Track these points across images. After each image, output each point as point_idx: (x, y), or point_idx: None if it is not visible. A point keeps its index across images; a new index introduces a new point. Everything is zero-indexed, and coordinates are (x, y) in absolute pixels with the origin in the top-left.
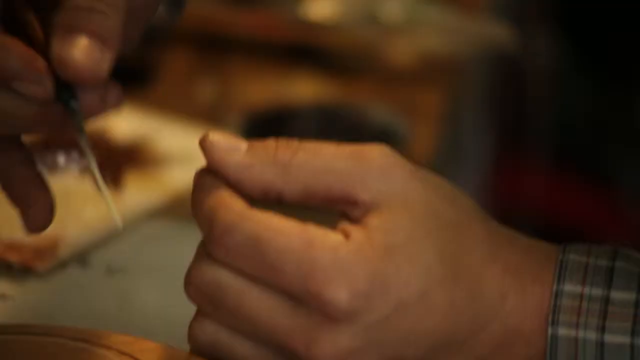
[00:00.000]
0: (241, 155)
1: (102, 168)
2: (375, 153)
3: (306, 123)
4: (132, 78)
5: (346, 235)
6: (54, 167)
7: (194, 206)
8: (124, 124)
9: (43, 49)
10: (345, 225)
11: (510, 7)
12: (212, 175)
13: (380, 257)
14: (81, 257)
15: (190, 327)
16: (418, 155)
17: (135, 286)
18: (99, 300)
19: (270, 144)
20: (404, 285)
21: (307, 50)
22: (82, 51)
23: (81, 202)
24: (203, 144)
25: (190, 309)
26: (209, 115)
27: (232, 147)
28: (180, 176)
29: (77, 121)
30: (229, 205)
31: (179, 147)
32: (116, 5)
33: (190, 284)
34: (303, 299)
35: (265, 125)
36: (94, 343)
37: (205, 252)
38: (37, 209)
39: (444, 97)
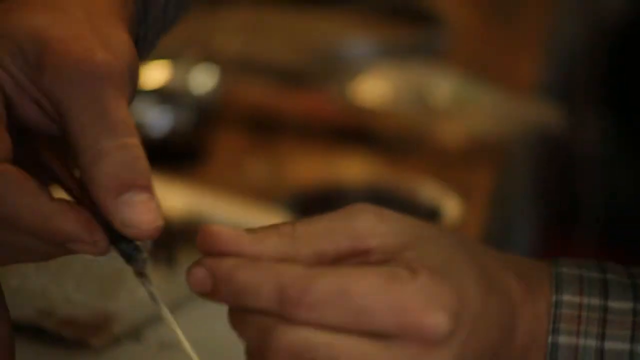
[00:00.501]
0: (249, 235)
1: (156, 245)
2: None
3: (355, 202)
4: (184, 157)
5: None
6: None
7: (244, 283)
8: (177, 201)
9: (80, 195)
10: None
11: (559, 87)
12: (235, 258)
13: (445, 279)
14: (135, 332)
15: None
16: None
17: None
18: None
19: (268, 226)
20: (472, 300)
21: (356, 132)
22: (146, 218)
23: (135, 278)
24: (208, 234)
25: None
26: (259, 194)
27: (236, 231)
28: None
29: (139, 267)
30: (291, 268)
31: (231, 224)
32: (134, 132)
33: (278, 354)
34: (398, 334)
35: (315, 204)
36: None
37: (281, 319)
38: None
39: (492, 177)
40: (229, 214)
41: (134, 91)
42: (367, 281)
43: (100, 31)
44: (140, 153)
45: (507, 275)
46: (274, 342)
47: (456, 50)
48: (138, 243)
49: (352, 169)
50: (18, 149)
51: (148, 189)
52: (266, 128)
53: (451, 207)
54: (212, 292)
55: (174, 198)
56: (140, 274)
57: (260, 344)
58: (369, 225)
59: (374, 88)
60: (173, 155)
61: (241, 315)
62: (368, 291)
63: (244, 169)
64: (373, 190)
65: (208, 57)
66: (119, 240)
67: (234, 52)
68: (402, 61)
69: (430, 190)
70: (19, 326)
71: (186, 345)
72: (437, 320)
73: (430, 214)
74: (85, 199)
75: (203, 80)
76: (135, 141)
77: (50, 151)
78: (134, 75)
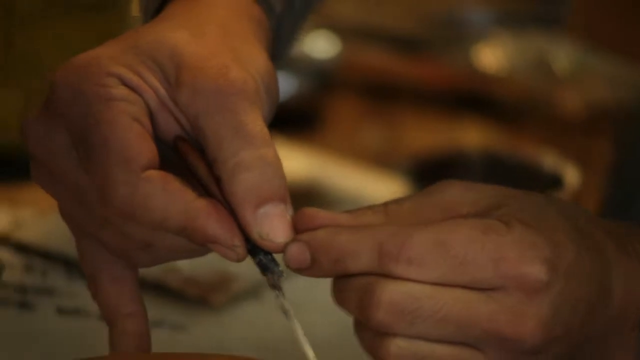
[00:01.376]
0: (344, 214)
1: None
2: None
3: (474, 168)
4: (302, 122)
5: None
6: None
7: (342, 247)
8: (296, 165)
9: (222, 201)
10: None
11: None
12: (331, 227)
13: (539, 230)
14: (255, 292)
15: (380, 349)
16: (585, 204)
17: (309, 322)
18: (272, 334)
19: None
20: (567, 251)
21: (474, 99)
22: (282, 233)
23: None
24: (305, 215)
25: None
26: (376, 160)
27: (332, 212)
28: None
29: (275, 280)
30: (387, 227)
31: (350, 190)
32: (271, 144)
33: (378, 309)
34: (497, 284)
35: (433, 170)
36: None
37: (381, 276)
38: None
39: (612, 146)
40: (346, 179)
41: (273, 105)
42: (464, 233)
43: (235, 48)
44: (278, 164)
45: (600, 234)
46: (375, 298)
47: (576, 19)
48: (273, 255)
49: (470, 135)
50: (166, 159)
51: (285, 201)
52: (384, 95)
53: (570, 175)
54: (311, 266)
55: (293, 163)
56: (275, 286)
57: (364, 304)
58: (457, 196)
59: (493, 55)
60: (293, 120)
61: (342, 283)
62: (466, 242)
63: (362, 135)
64: (491, 158)
65: (328, 24)
66: (257, 251)
67: (354, 20)
68: (522, 30)
69: (549, 159)
70: (144, 283)
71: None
72: (535, 269)
73: (550, 183)
74: (226, 207)
75: (323, 47)
76: (272, 152)
77: (194, 159)
78: (270, 90)
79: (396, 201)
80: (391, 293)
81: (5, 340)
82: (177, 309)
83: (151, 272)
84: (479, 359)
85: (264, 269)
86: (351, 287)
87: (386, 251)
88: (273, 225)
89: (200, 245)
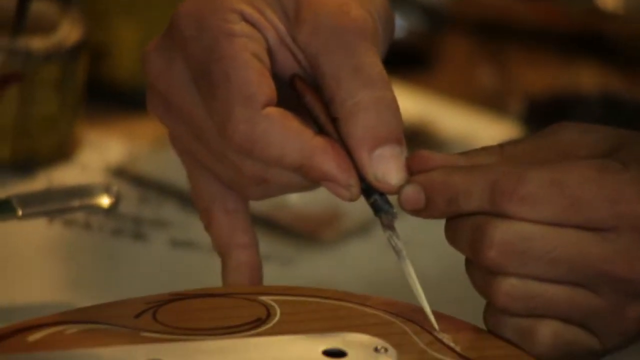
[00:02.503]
0: (458, 155)
1: None
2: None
3: (590, 111)
4: (414, 62)
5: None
6: None
7: (455, 186)
8: (406, 105)
9: (338, 141)
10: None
11: None
12: (447, 167)
13: None
14: (365, 229)
15: (491, 288)
16: None
17: (420, 262)
18: (382, 271)
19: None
20: None
21: (591, 39)
22: (397, 175)
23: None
24: (420, 157)
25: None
26: (488, 101)
27: (447, 154)
28: None
29: (388, 220)
30: (501, 167)
31: (460, 131)
32: (390, 86)
33: (490, 248)
34: (612, 224)
35: (548, 111)
36: (381, 309)
37: (494, 215)
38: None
39: None
40: (457, 121)
41: (388, 43)
42: (579, 172)
43: None
44: (395, 106)
45: None
46: (487, 237)
47: None
48: (387, 196)
49: (587, 77)
50: (282, 95)
51: (401, 143)
52: (498, 34)
53: None
54: (425, 207)
55: (404, 103)
56: (388, 227)
57: (476, 243)
58: (575, 138)
59: None
60: (404, 59)
61: (455, 222)
62: (581, 181)
63: (474, 76)
64: (608, 100)
65: None
66: (371, 192)
67: None
68: None
69: None
70: (255, 218)
71: (424, 301)
72: None
73: None
74: (342, 147)
75: None
76: (391, 94)
77: (311, 98)
78: (387, 28)
79: (511, 142)
80: (503, 232)
81: (119, 270)
82: (287, 244)
83: (261, 207)
84: (592, 300)
85: (378, 209)
86: (464, 226)
87: (499, 190)
88: (389, 167)
89: (315, 182)
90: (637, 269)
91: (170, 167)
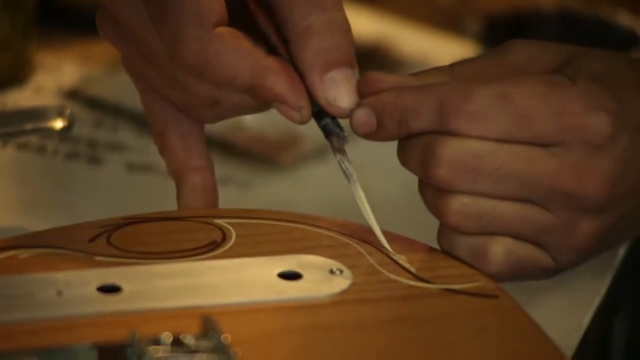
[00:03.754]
0: (409, 76)
1: None
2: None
3: (549, 28)
4: None
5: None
6: None
7: (405, 107)
8: (364, 26)
9: (280, 52)
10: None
11: None
12: (397, 89)
13: (604, 84)
14: (322, 151)
15: (442, 207)
16: None
17: (372, 184)
18: (336, 193)
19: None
20: (634, 105)
21: None
22: (348, 98)
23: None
24: (370, 79)
25: None
26: (446, 21)
27: (398, 76)
28: None
29: (339, 144)
30: (449, 84)
31: (418, 51)
32: (341, 7)
33: (439, 166)
34: (560, 139)
35: (506, 30)
36: (337, 231)
37: (443, 133)
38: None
39: None
40: (414, 41)
41: None
42: (527, 87)
43: None
44: (347, 28)
45: None
46: (436, 156)
47: None
48: (338, 120)
49: None
50: (232, 15)
51: (353, 66)
52: None
53: None
54: (376, 130)
55: (360, 23)
56: (339, 150)
57: (425, 162)
58: (525, 55)
59: None
60: None
61: (406, 143)
62: (528, 96)
63: None
64: (566, 17)
65: None
66: (322, 115)
67: None
68: None
69: (625, 18)
70: (211, 141)
71: (374, 224)
72: (598, 120)
73: (626, 41)
74: (294, 69)
75: None
76: (342, 16)
77: (263, 19)
78: None
79: (462, 61)
80: (452, 150)
81: (74, 194)
82: (244, 168)
83: (218, 130)
84: (544, 216)
85: (329, 133)
86: (414, 146)
87: (447, 107)
88: (340, 90)
89: (266, 104)
90: (586, 184)
91: (125, 90)
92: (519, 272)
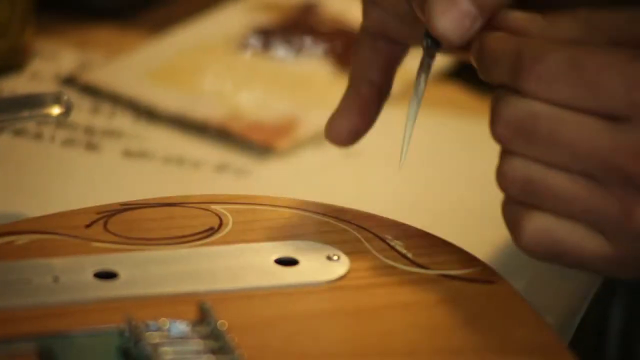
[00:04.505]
0: (540, 18)
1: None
2: None
3: None
4: None
5: None
6: (300, 49)
7: (486, 49)
8: None
9: None
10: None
11: None
12: (498, 33)
13: None
14: (319, 138)
15: (499, 169)
16: None
17: (371, 168)
18: (335, 180)
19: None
20: None
21: None
22: (453, 23)
23: (323, 85)
24: (504, 15)
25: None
26: None
27: (530, 14)
28: None
29: (426, 61)
30: (537, 40)
31: None
32: None
33: (499, 122)
34: (628, 113)
35: None
36: (334, 217)
37: (512, 90)
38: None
39: None
40: None
41: None
42: (604, 56)
43: None
44: None
45: None
46: (497, 112)
47: None
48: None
49: None
50: None
51: (482, 10)
52: None
53: None
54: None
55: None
56: (425, 71)
57: (491, 117)
58: None
59: None
60: None
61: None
62: (604, 65)
63: None
64: None
65: None
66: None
67: None
68: None
69: None
70: (207, 128)
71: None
72: None
73: None
74: None
75: None
76: None
77: None
78: None
79: (606, 12)
80: (513, 108)
81: (71, 180)
82: (241, 155)
83: (215, 117)
84: (596, 193)
85: (425, 45)
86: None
87: (519, 64)
88: (450, 20)
89: None
90: None
91: (123, 77)
92: (563, 256)
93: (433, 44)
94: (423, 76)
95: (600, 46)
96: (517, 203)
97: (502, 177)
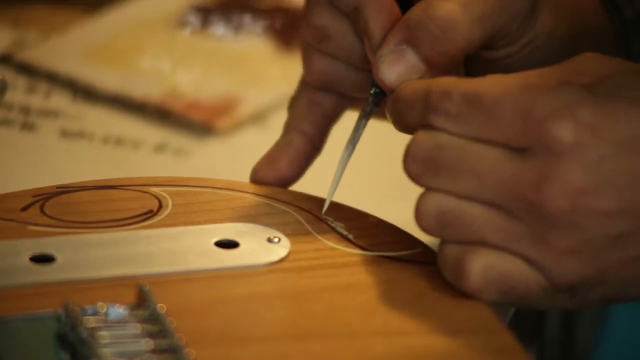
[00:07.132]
0: None
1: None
2: None
3: None
4: None
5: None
6: (239, 27)
7: (400, 96)
8: None
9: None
10: None
11: None
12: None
13: (596, 94)
14: (260, 117)
15: (415, 207)
16: None
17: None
18: None
19: None
20: (630, 122)
21: None
22: (400, 77)
23: (263, 63)
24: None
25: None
26: None
27: None
28: None
29: (369, 108)
30: (443, 78)
31: None
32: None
33: (408, 158)
34: (525, 143)
35: None
36: (275, 199)
37: (423, 127)
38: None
39: None
40: None
41: None
42: (503, 87)
43: None
44: (462, 29)
45: None
46: (408, 149)
47: None
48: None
49: None
50: None
51: (431, 65)
52: None
53: None
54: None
55: None
56: (365, 116)
57: (404, 154)
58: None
59: None
60: None
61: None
62: (501, 97)
63: None
64: None
65: None
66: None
67: None
68: None
69: None
70: (146, 108)
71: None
72: (559, 126)
73: None
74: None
75: None
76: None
77: None
78: None
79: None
80: (421, 142)
81: (6, 162)
82: (180, 134)
83: (153, 96)
84: (511, 223)
85: (370, 99)
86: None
87: (429, 102)
88: (395, 66)
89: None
90: (545, 191)
91: (60, 55)
92: (511, 293)
93: (379, 93)
94: (363, 122)
95: (500, 77)
96: (453, 245)
97: (418, 214)
